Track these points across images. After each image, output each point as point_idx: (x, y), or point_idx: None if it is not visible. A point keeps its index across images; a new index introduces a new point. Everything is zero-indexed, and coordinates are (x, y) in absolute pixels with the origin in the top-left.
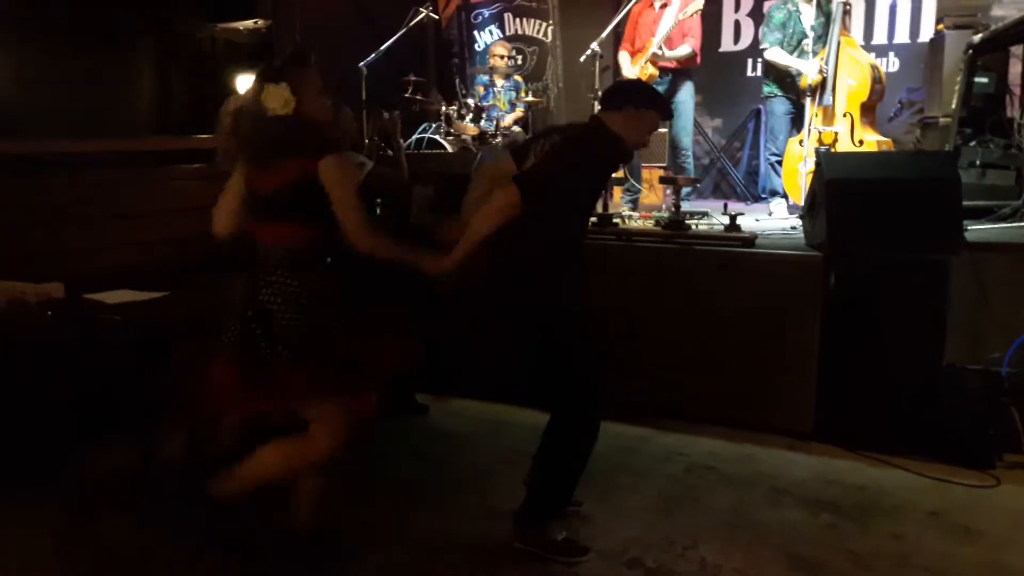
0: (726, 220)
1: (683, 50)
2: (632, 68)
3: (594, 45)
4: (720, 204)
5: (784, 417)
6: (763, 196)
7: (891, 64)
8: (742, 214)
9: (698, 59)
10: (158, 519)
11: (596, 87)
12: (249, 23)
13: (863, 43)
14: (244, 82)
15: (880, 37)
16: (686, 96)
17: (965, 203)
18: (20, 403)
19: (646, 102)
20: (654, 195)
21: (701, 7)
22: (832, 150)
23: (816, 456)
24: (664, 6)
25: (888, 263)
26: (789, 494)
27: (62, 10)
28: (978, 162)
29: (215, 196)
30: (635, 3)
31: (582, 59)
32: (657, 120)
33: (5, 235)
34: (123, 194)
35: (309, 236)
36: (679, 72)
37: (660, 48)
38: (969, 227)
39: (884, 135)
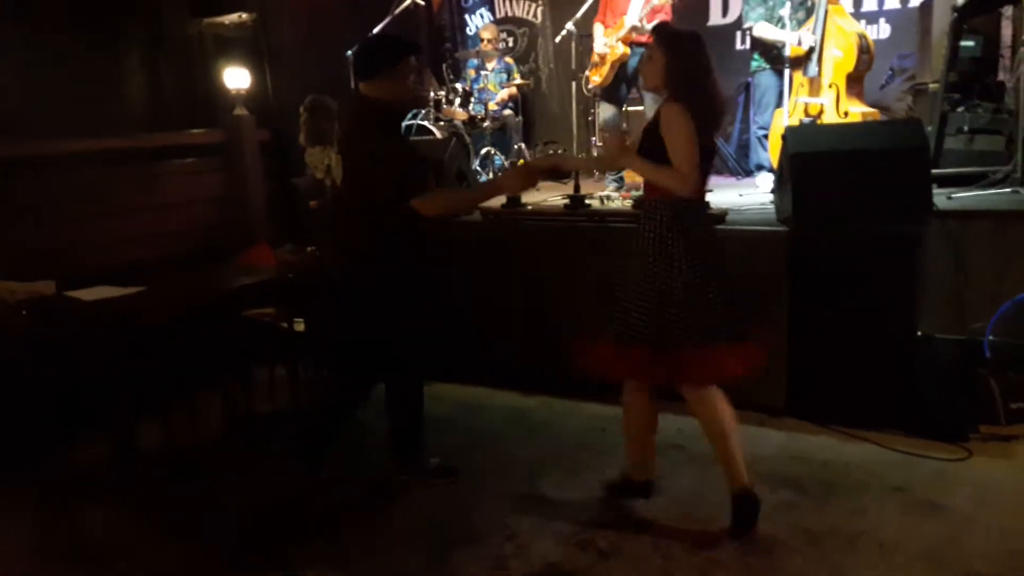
0: None
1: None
2: (603, 39)
3: (569, 25)
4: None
5: (757, 393)
6: (752, 170)
7: (882, 31)
8: (710, 191)
9: None
10: (131, 509)
11: (573, 67)
12: (234, 17)
13: (852, 10)
14: (232, 75)
15: (870, 3)
16: None
17: (953, 169)
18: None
19: (397, 54)
20: None
21: None
22: (818, 122)
23: (786, 432)
24: None
25: (855, 235)
26: (751, 471)
27: (53, 10)
28: (966, 128)
29: (203, 190)
30: None
31: (558, 40)
32: (412, 64)
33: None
34: (114, 191)
35: None
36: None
37: (640, 21)
38: (956, 194)
39: (875, 103)
